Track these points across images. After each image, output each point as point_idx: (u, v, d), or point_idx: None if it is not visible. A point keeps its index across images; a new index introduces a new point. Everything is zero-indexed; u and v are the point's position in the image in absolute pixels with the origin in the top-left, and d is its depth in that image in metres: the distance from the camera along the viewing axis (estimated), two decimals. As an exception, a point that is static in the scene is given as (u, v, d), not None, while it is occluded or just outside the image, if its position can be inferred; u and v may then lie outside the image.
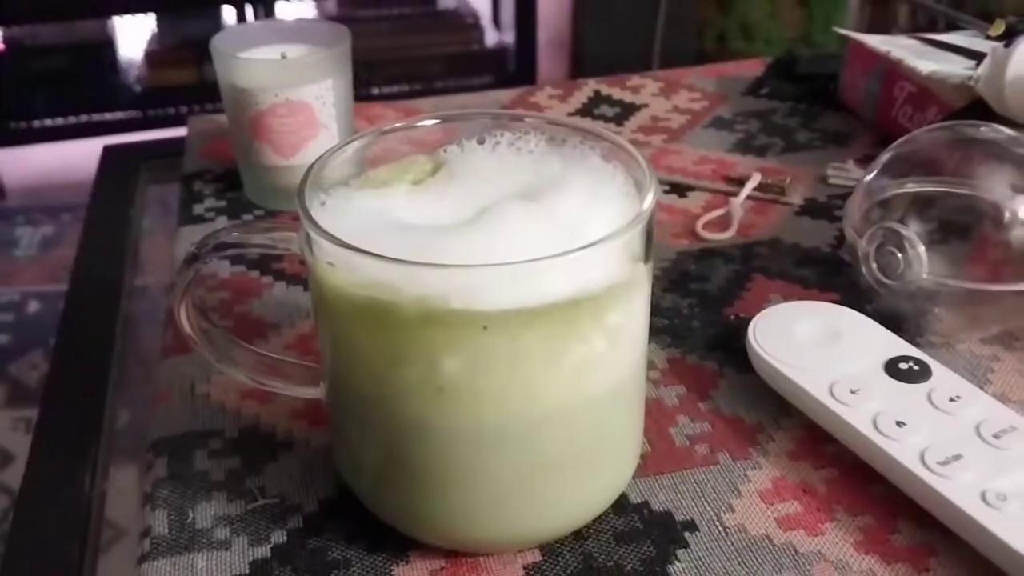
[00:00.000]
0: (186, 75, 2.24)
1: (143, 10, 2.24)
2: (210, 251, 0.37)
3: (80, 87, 2.25)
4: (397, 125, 0.41)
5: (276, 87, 0.57)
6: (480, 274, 0.32)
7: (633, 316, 0.36)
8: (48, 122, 2.25)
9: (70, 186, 2.20)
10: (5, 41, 2.29)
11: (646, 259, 0.36)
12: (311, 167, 0.37)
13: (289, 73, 0.58)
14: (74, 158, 2.26)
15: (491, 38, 2.44)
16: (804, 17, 2.34)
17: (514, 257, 0.32)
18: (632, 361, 0.37)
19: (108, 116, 2.26)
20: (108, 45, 2.32)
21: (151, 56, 2.30)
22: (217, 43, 0.58)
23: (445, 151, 0.41)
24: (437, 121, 0.41)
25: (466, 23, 2.43)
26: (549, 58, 2.41)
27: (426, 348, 0.33)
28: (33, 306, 1.89)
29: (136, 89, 2.30)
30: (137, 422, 0.49)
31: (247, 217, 0.61)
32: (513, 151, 0.40)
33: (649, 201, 0.35)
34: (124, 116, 2.27)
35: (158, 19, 2.34)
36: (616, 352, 0.35)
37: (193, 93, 2.18)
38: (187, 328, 0.39)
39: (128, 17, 2.29)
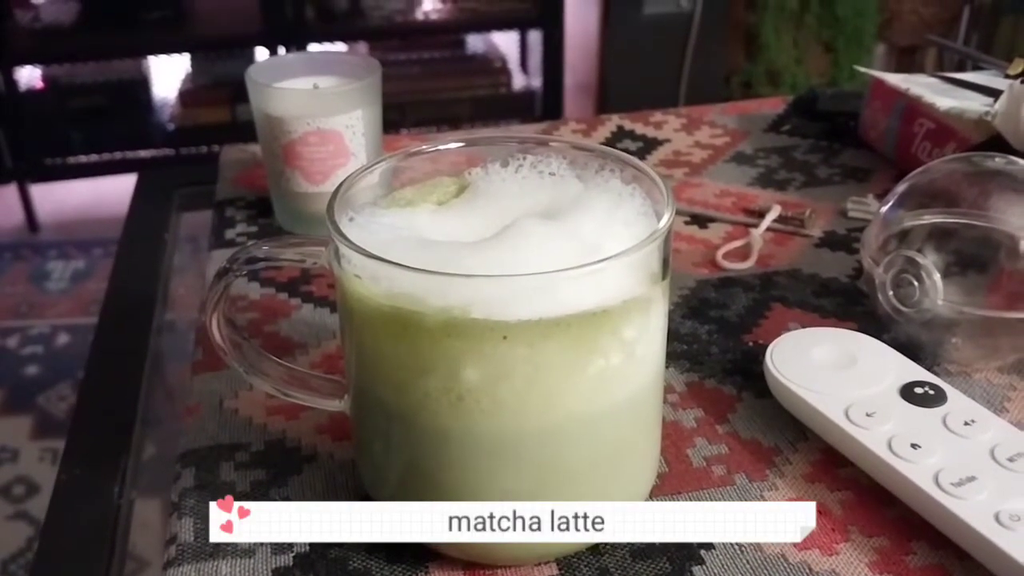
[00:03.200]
0: (218, 114, 2.29)
1: (178, 50, 2.30)
2: (242, 264, 0.39)
3: (115, 125, 2.30)
4: (424, 148, 0.42)
5: (308, 116, 0.59)
6: (501, 285, 0.33)
7: (650, 332, 0.37)
8: (83, 158, 2.30)
9: (102, 221, 2.25)
10: (44, 79, 2.35)
11: (663, 276, 0.36)
12: (341, 184, 0.38)
13: (321, 103, 0.59)
14: (107, 194, 2.31)
15: (519, 81, 2.48)
16: (830, 63, 2.37)
17: (534, 270, 0.33)
18: (649, 376, 0.38)
19: (141, 153, 2.31)
20: (143, 84, 2.37)
21: (184, 95, 2.35)
22: (252, 73, 0.60)
23: (470, 173, 0.42)
24: (463, 144, 0.42)
25: (494, 67, 2.47)
26: (576, 102, 2.44)
27: (447, 358, 0.34)
28: (63, 339, 1.92)
29: (169, 127, 2.35)
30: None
31: (276, 242, 0.63)
32: (536, 174, 0.42)
33: (666, 220, 0.36)
34: (157, 153, 2.32)
35: (192, 59, 2.39)
36: (633, 366, 0.36)
37: (225, 132, 2.22)
38: (218, 339, 0.40)
39: (163, 57, 2.35)
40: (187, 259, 0.73)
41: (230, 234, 0.64)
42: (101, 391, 0.54)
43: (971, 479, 0.39)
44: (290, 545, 0.40)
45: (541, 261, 0.33)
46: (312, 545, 0.40)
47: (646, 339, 0.36)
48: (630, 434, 0.38)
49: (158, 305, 0.58)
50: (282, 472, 0.44)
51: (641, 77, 2.27)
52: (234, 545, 0.40)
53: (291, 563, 0.39)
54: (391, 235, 0.37)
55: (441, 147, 0.42)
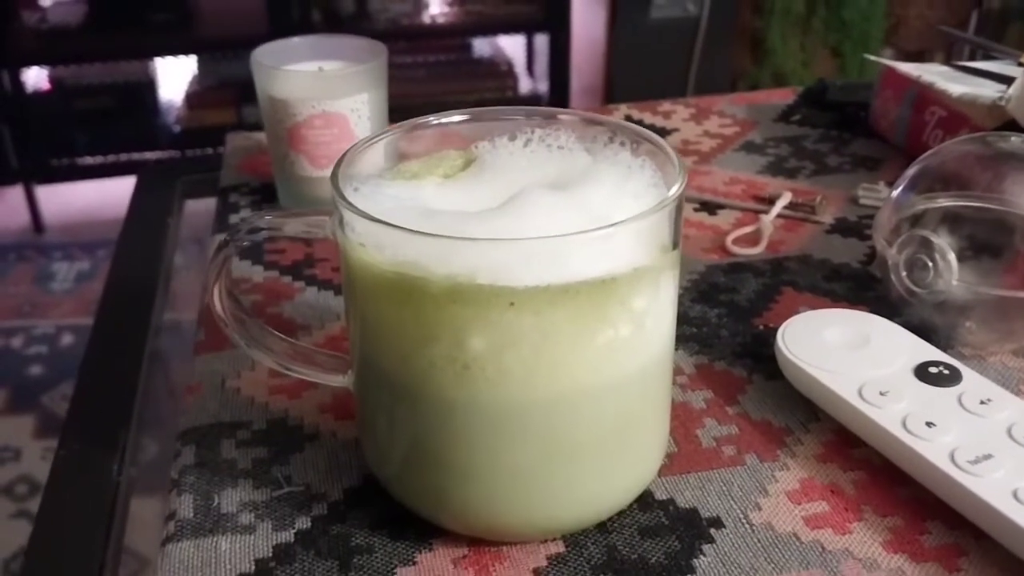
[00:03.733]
0: (224, 116, 2.28)
1: (184, 52, 2.30)
2: (245, 234, 0.38)
3: (120, 126, 2.30)
4: (430, 119, 0.41)
5: (313, 99, 0.58)
6: (507, 250, 0.32)
7: (659, 304, 0.36)
8: (88, 160, 2.30)
9: (107, 223, 2.24)
10: (51, 81, 2.35)
11: (673, 246, 0.36)
12: (345, 153, 0.38)
13: (326, 85, 0.59)
14: (112, 196, 2.31)
15: (525, 85, 2.47)
16: (837, 67, 2.36)
17: (541, 242, 0.32)
18: (658, 350, 0.37)
19: (147, 155, 2.31)
20: (149, 86, 2.37)
21: (191, 97, 2.36)
22: (258, 56, 0.60)
23: (477, 147, 0.41)
24: (469, 117, 0.42)
25: (500, 70, 2.47)
26: (582, 106, 2.43)
27: (453, 325, 0.33)
28: (67, 339, 1.92)
29: (175, 129, 2.35)
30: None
31: (281, 227, 0.62)
32: (544, 147, 0.41)
33: (677, 187, 0.35)
34: (163, 155, 2.31)
35: (199, 61, 2.39)
36: (642, 338, 0.36)
37: (231, 134, 2.22)
38: (219, 309, 0.39)
39: (169, 59, 2.35)
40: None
41: (234, 219, 0.63)
42: (102, 371, 0.53)
43: (988, 457, 0.38)
44: (292, 521, 0.39)
45: (548, 229, 0.33)
46: (314, 519, 0.39)
47: (656, 311, 0.36)
48: (638, 409, 0.38)
49: (160, 285, 0.58)
50: (284, 450, 0.43)
51: (647, 81, 2.27)
52: (234, 521, 0.39)
53: (292, 539, 0.38)
54: (396, 205, 0.36)
55: (448, 120, 0.42)
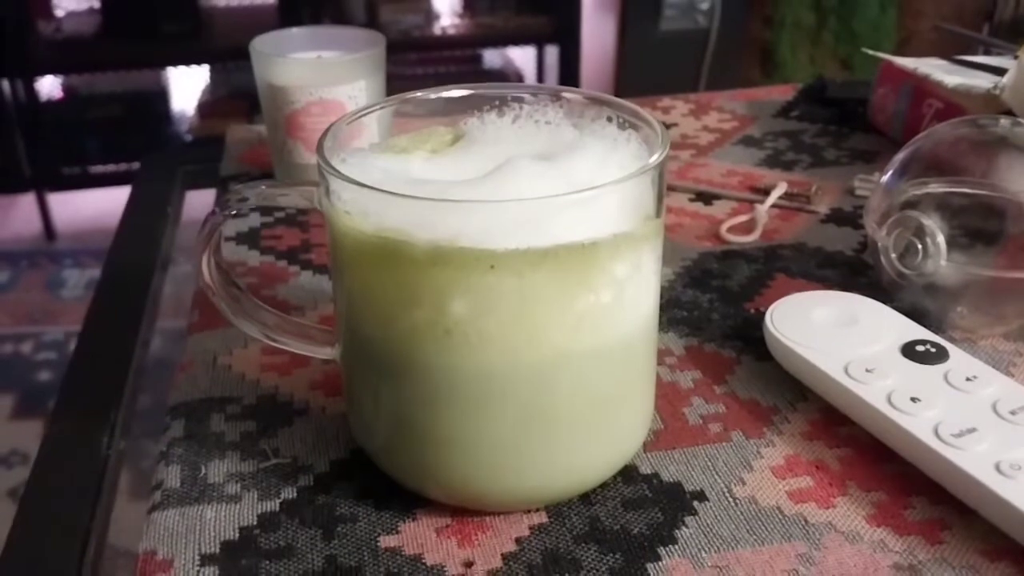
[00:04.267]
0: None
1: (196, 62, 2.32)
2: (235, 203, 0.38)
3: (132, 135, 2.32)
4: (419, 94, 0.42)
5: (311, 86, 0.59)
6: (488, 213, 0.33)
7: (642, 273, 0.36)
8: (100, 168, 2.32)
9: (118, 230, 2.26)
10: (64, 89, 2.38)
11: (656, 214, 0.36)
12: (333, 124, 0.38)
13: (324, 72, 0.59)
14: (123, 204, 2.32)
15: (534, 96, 2.48)
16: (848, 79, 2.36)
17: (521, 205, 0.32)
18: (641, 318, 0.37)
19: (159, 163, 2.32)
20: (161, 95, 2.39)
21: (202, 107, 2.37)
22: (257, 44, 0.60)
23: (465, 123, 0.42)
24: (459, 92, 0.42)
25: (511, 82, 2.48)
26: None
27: (435, 289, 0.33)
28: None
29: (186, 138, 2.36)
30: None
31: (279, 215, 0.62)
32: (531, 123, 0.41)
33: (658, 155, 0.35)
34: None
35: (211, 71, 2.41)
36: (624, 307, 0.36)
37: (241, 142, 2.23)
38: (207, 278, 0.40)
39: (182, 68, 2.36)
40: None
41: (232, 207, 0.63)
42: (94, 349, 0.53)
43: (971, 431, 0.38)
44: (277, 492, 0.39)
45: (531, 194, 0.33)
46: (299, 490, 0.39)
47: (638, 280, 0.36)
48: (621, 380, 0.38)
49: (156, 270, 0.58)
50: (272, 424, 0.43)
51: (657, 92, 2.27)
52: (220, 491, 0.39)
53: (277, 508, 0.39)
54: (382, 176, 0.37)
55: (436, 95, 0.42)
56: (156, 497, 0.40)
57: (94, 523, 0.42)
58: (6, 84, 2.19)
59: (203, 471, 0.41)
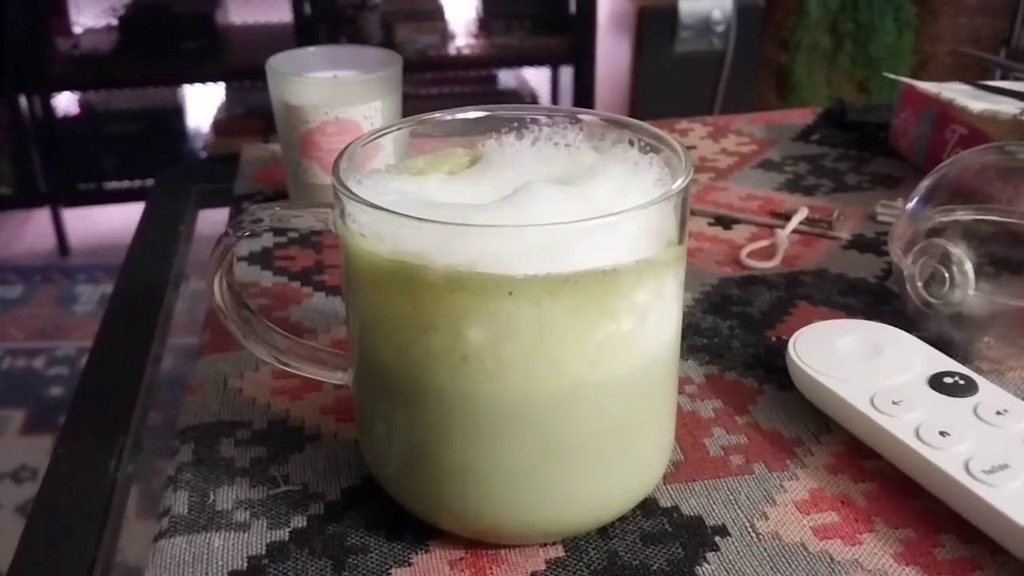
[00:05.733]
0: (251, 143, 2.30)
1: (213, 79, 2.33)
2: (248, 224, 0.38)
3: (148, 152, 2.33)
4: (436, 115, 0.41)
5: (326, 105, 0.58)
6: (507, 238, 0.32)
7: (663, 300, 0.35)
8: (115, 184, 2.32)
9: (132, 247, 2.26)
10: (80, 105, 2.39)
11: (679, 241, 0.35)
12: (349, 145, 0.37)
13: (339, 92, 0.59)
14: (137, 220, 2.33)
15: (549, 117, 2.47)
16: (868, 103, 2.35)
17: (541, 230, 0.31)
18: (661, 348, 0.36)
19: (173, 180, 2.32)
20: (177, 112, 2.40)
21: (218, 124, 2.38)
22: (273, 63, 0.60)
23: (483, 145, 0.41)
24: (477, 113, 0.41)
25: (525, 102, 2.48)
26: (606, 138, 2.43)
27: (451, 315, 0.32)
28: (88, 361, 1.92)
29: (202, 156, 2.37)
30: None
31: (293, 235, 0.62)
32: (551, 145, 0.40)
33: (682, 181, 0.34)
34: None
35: (227, 89, 2.42)
36: (645, 335, 0.35)
37: (256, 160, 2.23)
38: (219, 299, 0.39)
39: (198, 86, 2.37)
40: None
41: (246, 227, 0.63)
42: (105, 367, 0.52)
43: (1004, 467, 0.37)
44: (287, 520, 0.38)
45: (551, 219, 0.32)
46: (310, 519, 0.38)
47: (659, 307, 0.35)
48: (641, 410, 0.37)
49: (169, 288, 0.57)
50: (283, 450, 0.42)
51: (672, 114, 2.27)
52: (229, 518, 0.39)
53: (287, 537, 0.38)
54: (398, 198, 0.36)
55: (455, 116, 0.41)
56: (163, 524, 0.39)
57: (101, 545, 0.41)
58: (23, 100, 2.20)
59: (211, 498, 0.40)
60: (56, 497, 0.42)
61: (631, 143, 0.39)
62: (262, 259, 0.58)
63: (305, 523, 0.38)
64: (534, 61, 2.43)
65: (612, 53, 2.41)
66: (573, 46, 2.32)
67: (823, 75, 2.41)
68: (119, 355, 0.52)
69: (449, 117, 0.41)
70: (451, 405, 0.34)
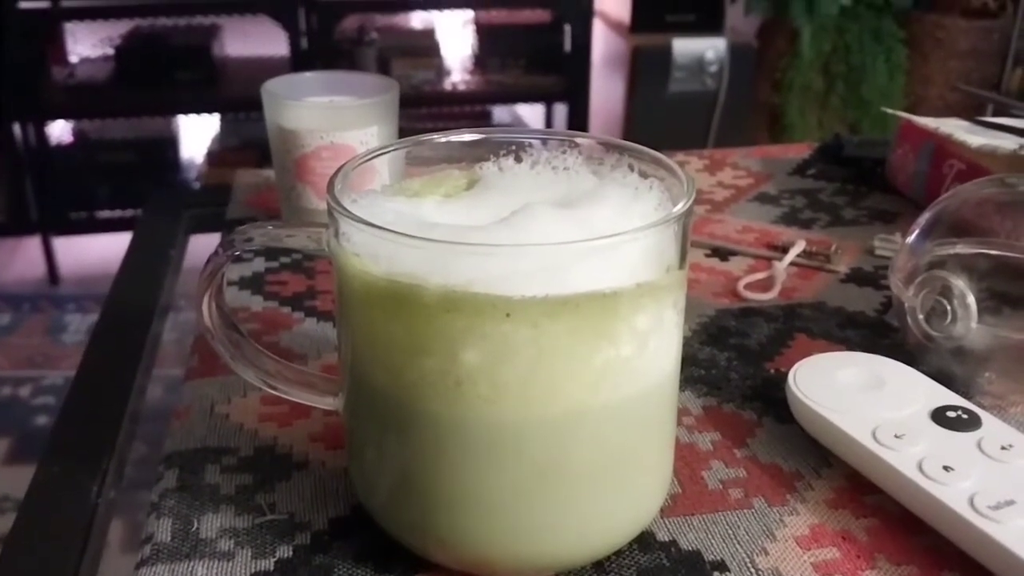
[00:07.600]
0: (244, 175, 2.30)
1: (208, 110, 2.33)
2: (240, 243, 0.37)
3: (141, 181, 2.32)
4: (434, 137, 0.40)
5: (322, 130, 0.58)
6: (504, 259, 0.31)
7: (664, 326, 0.34)
8: (107, 213, 2.32)
9: (122, 276, 2.24)
10: (74, 134, 2.38)
11: (680, 265, 0.34)
12: (345, 164, 0.37)
13: (335, 117, 0.58)
14: (129, 249, 2.32)
15: (543, 153, 2.48)
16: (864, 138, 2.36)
17: (540, 251, 0.31)
18: (661, 375, 0.35)
19: (166, 210, 2.32)
20: (171, 142, 2.40)
21: (212, 155, 2.38)
22: (269, 86, 0.59)
23: (481, 168, 0.40)
24: (475, 136, 0.41)
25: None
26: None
27: (446, 337, 0.32)
28: (75, 391, 1.90)
29: (195, 186, 2.36)
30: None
31: (284, 260, 0.61)
32: (549, 168, 0.40)
33: (683, 204, 0.34)
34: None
35: (222, 120, 2.42)
36: (644, 361, 0.34)
37: (249, 191, 2.23)
38: (207, 320, 0.38)
39: (193, 116, 2.37)
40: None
41: (237, 252, 0.62)
42: (89, 394, 0.51)
43: (1010, 503, 0.36)
44: (272, 550, 0.37)
45: (550, 240, 0.32)
46: (296, 548, 0.37)
47: (659, 332, 0.34)
48: (639, 439, 0.36)
49: (156, 315, 0.56)
50: (269, 477, 0.41)
51: (665, 149, 2.27)
52: (212, 547, 0.37)
53: (272, 568, 0.36)
54: (393, 218, 0.35)
55: (452, 138, 0.41)
56: (145, 551, 0.37)
57: (80, 571, 0.40)
58: (17, 128, 2.19)
59: (195, 525, 0.38)
60: (35, 523, 0.41)
61: (631, 168, 0.39)
62: (253, 284, 0.57)
63: (291, 553, 0.37)
64: (528, 98, 2.44)
65: (606, 92, 2.42)
66: (567, 85, 2.33)
67: (815, 116, 2.42)
68: (103, 380, 0.51)
69: (446, 139, 0.40)
70: (444, 431, 0.33)
